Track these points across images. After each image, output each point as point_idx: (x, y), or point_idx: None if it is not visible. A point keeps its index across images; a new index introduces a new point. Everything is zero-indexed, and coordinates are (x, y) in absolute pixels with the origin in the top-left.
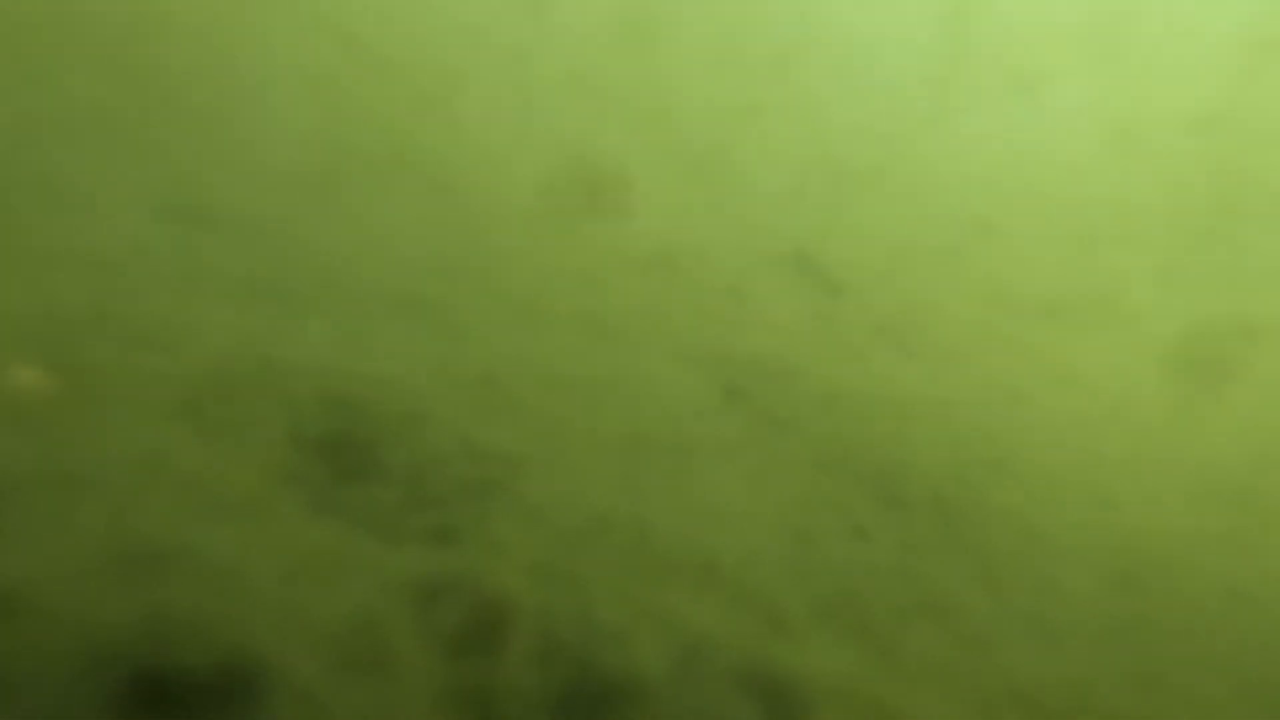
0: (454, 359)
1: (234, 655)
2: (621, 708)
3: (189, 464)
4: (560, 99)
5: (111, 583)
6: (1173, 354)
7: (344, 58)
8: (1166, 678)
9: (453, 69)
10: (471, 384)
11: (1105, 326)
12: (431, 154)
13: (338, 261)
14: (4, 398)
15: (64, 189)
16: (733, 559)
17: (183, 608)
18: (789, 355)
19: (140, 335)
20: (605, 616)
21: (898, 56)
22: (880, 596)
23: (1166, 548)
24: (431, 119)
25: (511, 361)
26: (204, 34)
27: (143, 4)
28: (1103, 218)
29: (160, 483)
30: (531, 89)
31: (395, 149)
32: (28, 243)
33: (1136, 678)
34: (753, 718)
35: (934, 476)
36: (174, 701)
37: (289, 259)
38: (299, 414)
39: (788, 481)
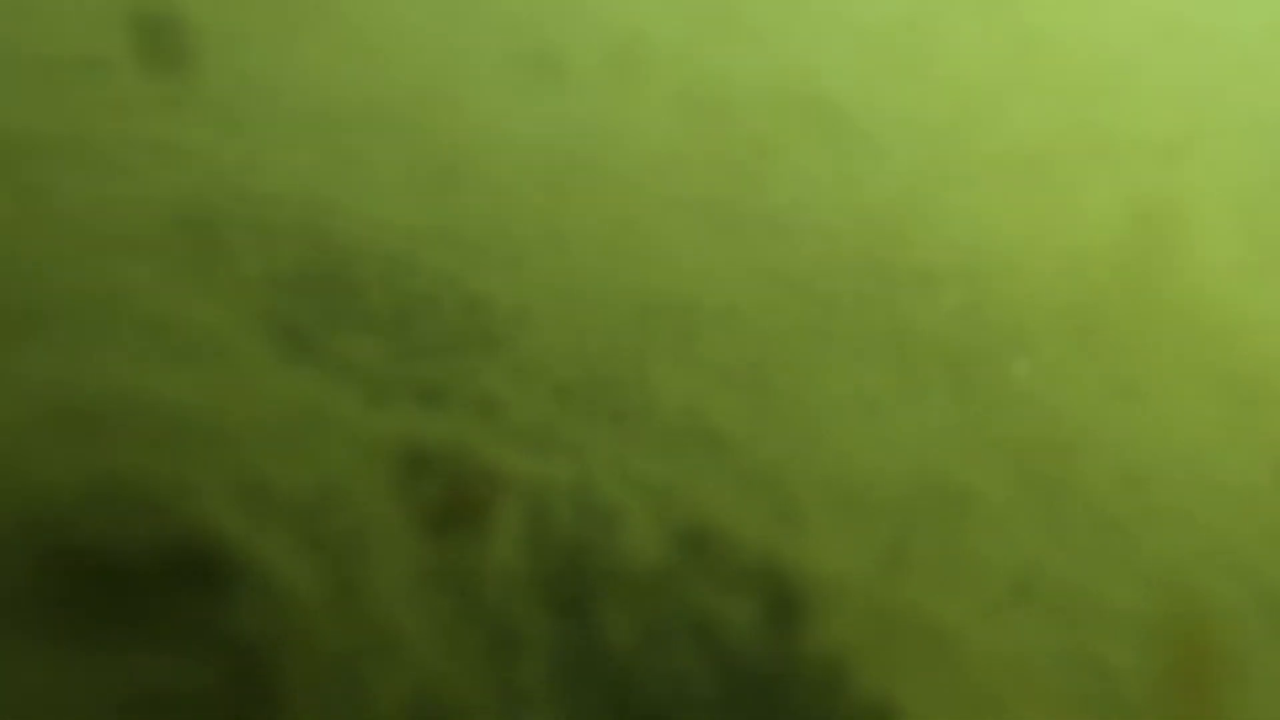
0: (454, 198)
1: (188, 528)
2: (613, 598)
3: (150, 304)
4: None
5: (50, 439)
6: None
7: None
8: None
9: None
10: (472, 227)
11: None
12: None
13: (330, 80)
14: None
15: None
16: (742, 433)
17: (132, 469)
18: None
19: (103, 156)
20: (603, 493)
21: None
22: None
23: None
24: None
25: (517, 206)
26: None
27: None
28: None
29: (115, 324)
30: None
31: None
32: None
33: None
34: (753, 613)
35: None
36: (117, 580)
37: (275, 77)
38: (277, 251)
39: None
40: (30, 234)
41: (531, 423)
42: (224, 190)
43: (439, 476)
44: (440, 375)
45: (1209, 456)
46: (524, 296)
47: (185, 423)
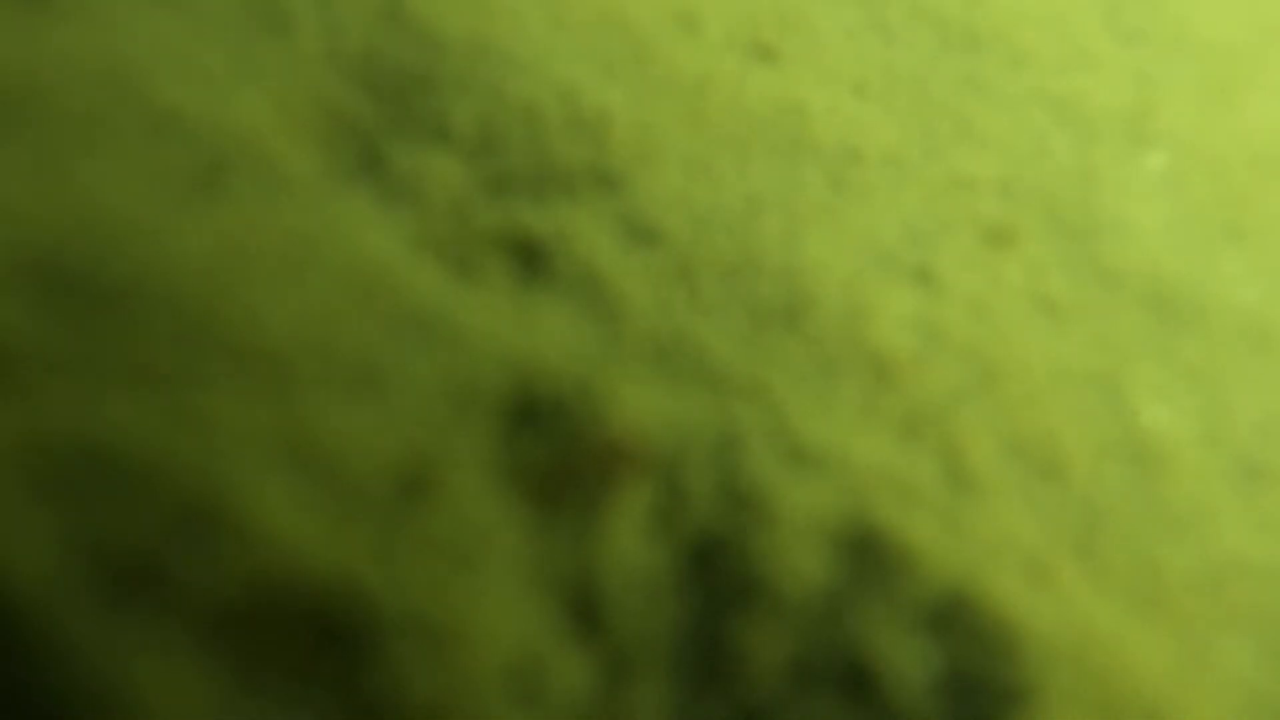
0: None
1: (197, 490)
2: (751, 614)
3: (175, 91)
4: None
5: (22, 322)
6: None
7: None
8: None
9: None
10: (590, 10)
11: None
12: None
13: None
14: None
15: None
16: (905, 355)
17: (135, 429)
18: None
19: None
20: (755, 468)
21: None
22: None
23: None
24: None
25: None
26: None
27: None
28: None
29: (129, 116)
30: None
31: None
32: None
33: None
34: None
35: None
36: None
37: None
38: (340, 21)
39: None
40: None
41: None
42: None
43: (550, 427)
44: (542, 225)
45: None
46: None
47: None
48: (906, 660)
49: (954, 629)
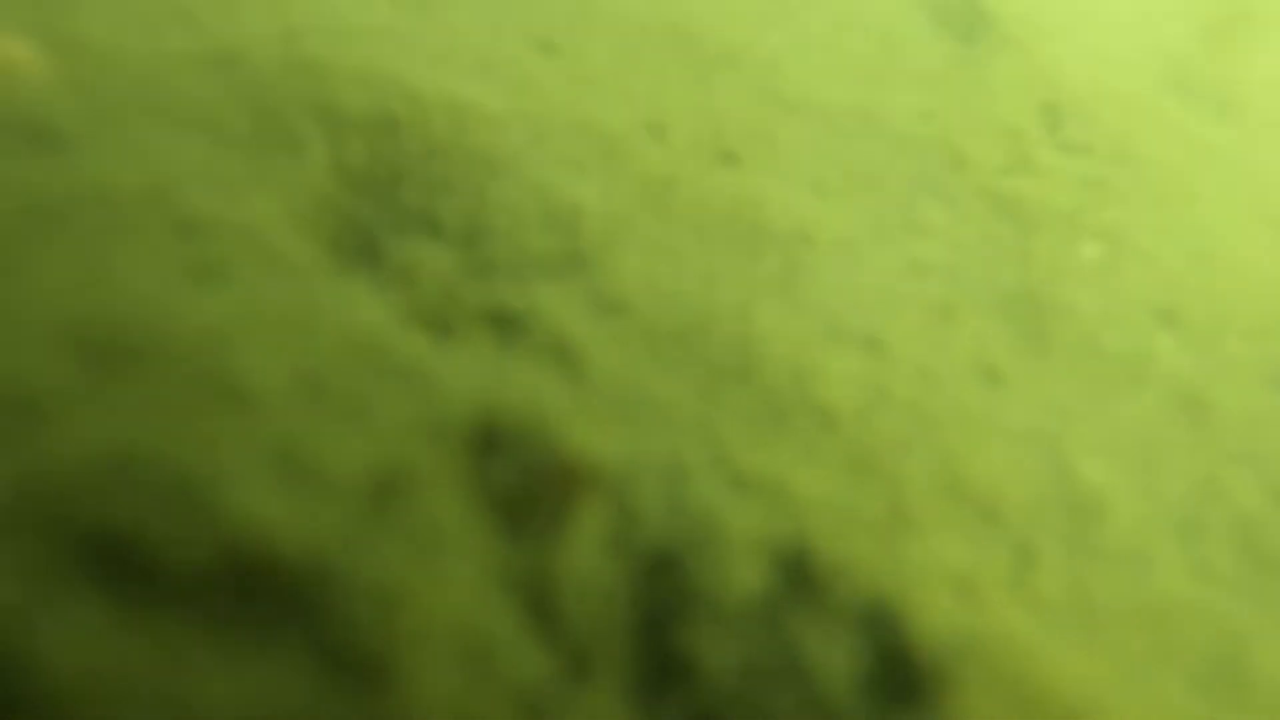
0: (550, 85)
1: (236, 533)
2: (698, 619)
3: (196, 200)
4: None
5: (59, 369)
6: None
7: None
8: None
9: None
10: (566, 121)
11: None
12: None
13: None
14: None
15: None
16: (849, 407)
17: (147, 442)
18: None
19: (159, 7)
20: (700, 492)
21: None
22: None
23: None
24: None
25: (611, 94)
26: None
27: None
28: None
29: (151, 223)
30: None
31: None
32: None
33: None
34: (855, 663)
35: None
36: (158, 586)
37: None
38: (342, 135)
39: None
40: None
41: (620, 385)
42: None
43: (514, 457)
44: (516, 304)
45: None
46: (620, 206)
47: (216, 367)
48: (836, 657)
49: (880, 631)
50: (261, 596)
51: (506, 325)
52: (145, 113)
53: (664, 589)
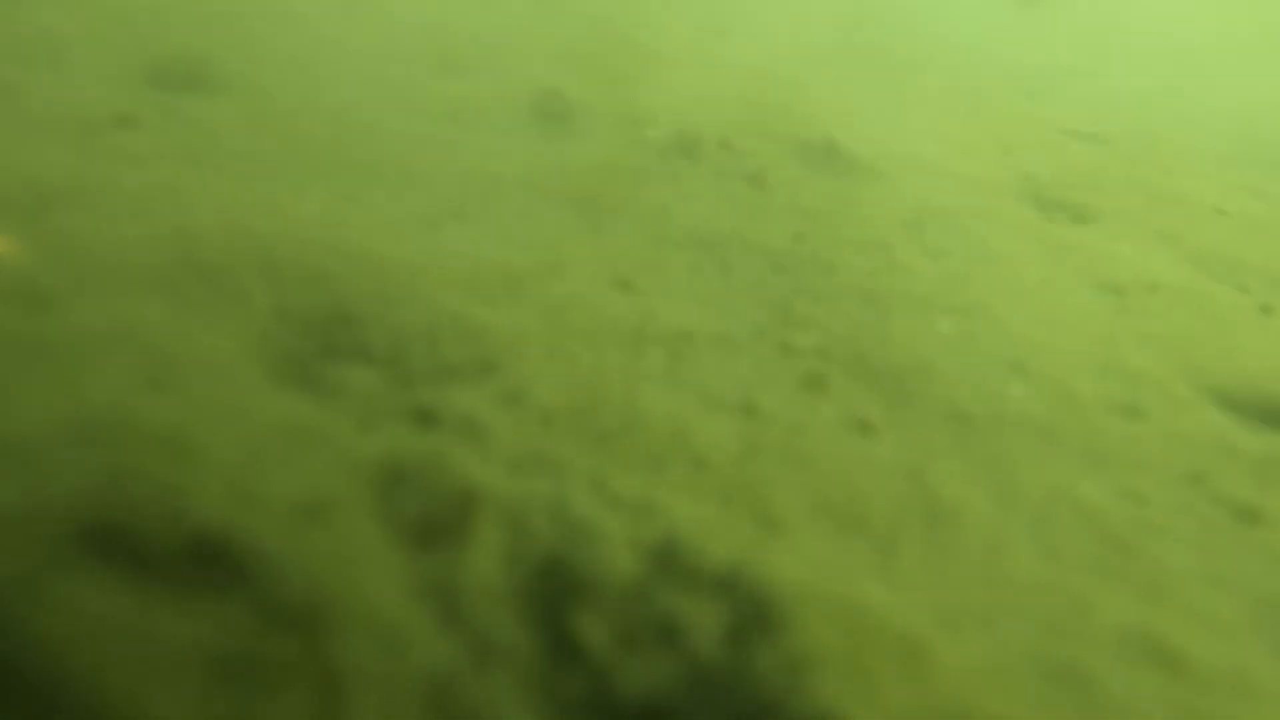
0: (459, 238)
1: (199, 524)
2: (584, 603)
3: (157, 336)
4: None
5: (62, 450)
6: None
7: None
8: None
9: None
10: (472, 262)
11: None
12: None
13: (338, 132)
14: None
15: (48, 51)
16: (723, 455)
17: (138, 475)
18: None
19: (121, 205)
20: (583, 512)
21: None
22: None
23: None
24: None
25: (515, 243)
26: None
27: None
28: None
29: (123, 352)
30: None
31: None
32: (7, 106)
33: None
34: (720, 621)
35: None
36: (144, 559)
37: (287, 128)
38: (282, 288)
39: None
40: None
41: (517, 447)
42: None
43: (421, 491)
44: (431, 402)
45: None
46: (520, 324)
47: (181, 438)
48: (704, 618)
49: (739, 593)
50: (218, 567)
51: (426, 417)
52: (113, 281)
53: (553, 585)
